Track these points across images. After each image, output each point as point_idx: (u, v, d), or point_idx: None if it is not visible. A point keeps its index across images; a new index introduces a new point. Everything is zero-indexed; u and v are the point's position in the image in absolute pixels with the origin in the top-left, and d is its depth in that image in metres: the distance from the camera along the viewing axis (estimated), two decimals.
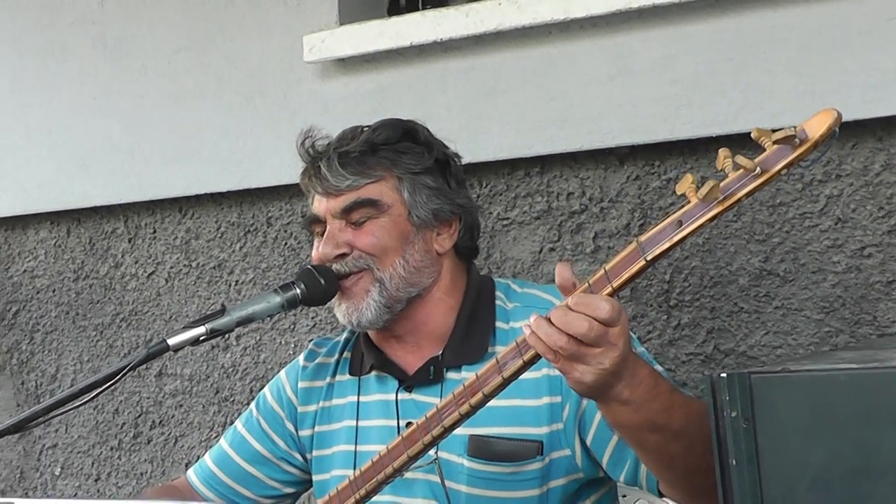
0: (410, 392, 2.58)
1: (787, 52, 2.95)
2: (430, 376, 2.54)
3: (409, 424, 2.47)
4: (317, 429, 2.69)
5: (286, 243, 3.77)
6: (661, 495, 2.37)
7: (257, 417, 2.78)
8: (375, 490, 2.29)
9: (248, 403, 3.77)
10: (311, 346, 2.81)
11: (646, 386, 2.07)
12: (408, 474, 2.45)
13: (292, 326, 3.77)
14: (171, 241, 4.00)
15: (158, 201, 3.98)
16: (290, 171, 3.60)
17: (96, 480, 4.20)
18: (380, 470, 2.25)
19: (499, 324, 2.57)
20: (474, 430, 2.46)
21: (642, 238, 1.93)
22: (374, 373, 2.63)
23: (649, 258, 1.93)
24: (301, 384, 2.74)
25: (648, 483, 2.37)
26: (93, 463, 4.22)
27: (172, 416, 4.04)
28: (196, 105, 3.83)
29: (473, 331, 2.56)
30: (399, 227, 2.56)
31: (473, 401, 2.12)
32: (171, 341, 2.46)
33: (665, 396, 2.10)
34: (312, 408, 2.71)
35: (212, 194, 3.86)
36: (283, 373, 2.81)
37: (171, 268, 4.00)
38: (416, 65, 3.43)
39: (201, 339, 2.48)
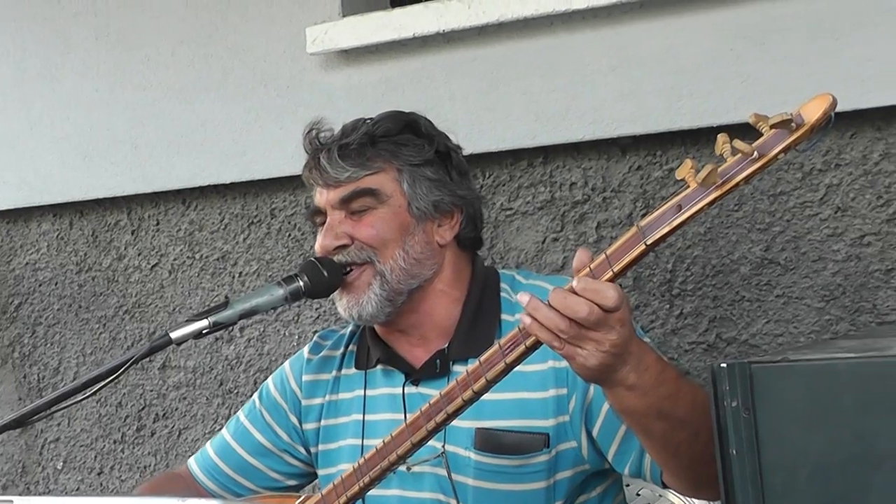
0: (417, 385, 2.58)
1: (787, 43, 2.95)
2: (436, 370, 2.54)
3: None
4: (323, 422, 2.69)
5: (290, 234, 3.77)
6: (664, 486, 2.38)
7: (260, 409, 2.77)
8: (379, 478, 2.28)
9: (251, 395, 3.78)
10: (315, 338, 2.80)
11: (652, 372, 2.07)
12: (415, 468, 2.48)
13: (296, 318, 3.78)
14: (174, 232, 4.00)
15: (162, 193, 3.97)
16: (293, 162, 3.60)
17: (99, 474, 4.21)
18: (384, 457, 2.25)
19: (504, 316, 2.57)
20: (481, 423, 2.47)
21: (642, 223, 1.94)
22: (380, 367, 2.63)
23: (649, 242, 1.93)
24: (306, 377, 2.73)
25: (653, 474, 2.37)
26: (96, 456, 4.22)
27: (176, 409, 4.04)
28: (199, 96, 3.83)
29: (479, 323, 2.56)
30: (399, 219, 2.56)
31: (476, 387, 2.11)
32: (174, 334, 2.46)
33: (672, 383, 2.11)
34: (318, 401, 2.70)
35: (215, 186, 3.86)
36: (286, 364, 2.80)
37: (175, 259, 4.00)
38: (419, 56, 3.43)
39: (204, 332, 2.49)
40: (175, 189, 3.93)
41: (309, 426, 2.71)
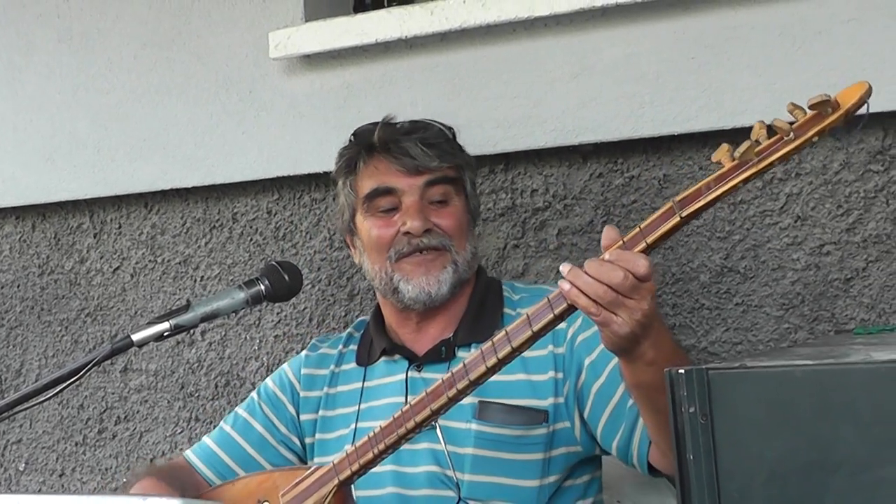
0: (420, 371, 2.68)
1: (747, 52, 2.97)
2: (441, 355, 2.66)
3: None
4: (321, 413, 2.78)
5: (252, 239, 3.77)
6: (650, 469, 2.46)
7: (259, 402, 2.85)
8: (396, 444, 2.33)
9: (214, 399, 3.80)
10: (314, 340, 2.92)
11: (667, 348, 2.16)
12: (407, 444, 2.45)
13: (258, 322, 3.78)
14: (136, 236, 3.99)
15: (124, 196, 3.96)
16: (255, 166, 3.66)
17: (60, 476, 4.20)
18: (401, 424, 2.29)
19: (506, 310, 2.71)
20: (484, 398, 2.58)
21: (677, 198, 2.02)
22: (383, 359, 2.74)
23: (684, 215, 2.00)
24: (304, 371, 2.83)
25: (640, 455, 2.45)
26: (57, 458, 4.21)
27: (137, 412, 4.03)
28: (162, 100, 3.82)
29: (484, 313, 2.70)
30: (465, 215, 2.72)
31: (501, 354, 2.17)
32: (136, 337, 2.51)
33: (682, 359, 2.20)
34: (316, 393, 2.80)
35: (178, 190, 3.85)
36: (286, 365, 2.90)
37: (137, 263, 4.00)
38: (382, 62, 3.44)
39: (165, 334, 2.53)
40: (138, 193, 3.92)
41: (306, 417, 2.80)
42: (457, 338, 2.68)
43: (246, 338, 3.81)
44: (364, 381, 2.75)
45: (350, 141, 2.81)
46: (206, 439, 2.90)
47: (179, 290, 3.90)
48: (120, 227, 4.02)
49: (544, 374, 2.60)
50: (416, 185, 2.67)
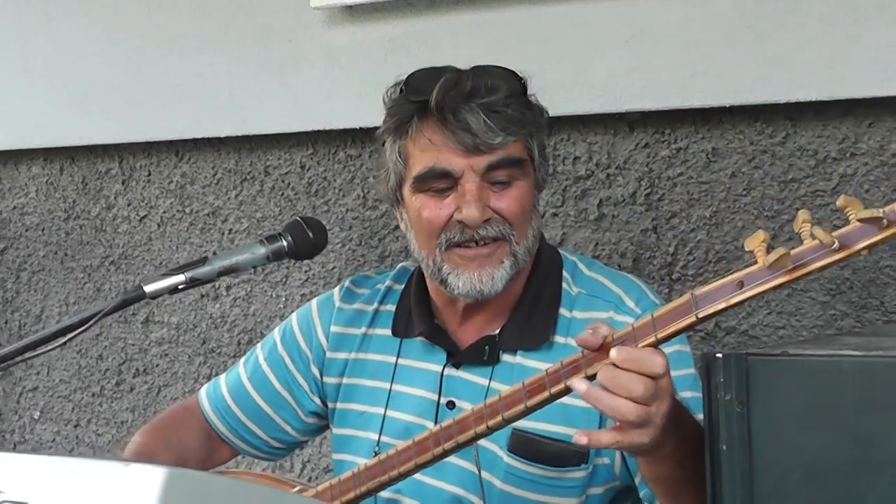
0: (458, 368, 2.44)
1: (808, 24, 2.86)
2: (483, 356, 2.41)
3: (450, 404, 2.42)
4: (345, 380, 2.56)
5: (283, 193, 3.70)
6: None
7: (281, 352, 2.64)
8: (376, 489, 2.21)
9: (235, 356, 3.73)
10: (348, 283, 2.64)
11: (691, 439, 1.97)
12: None
13: (284, 279, 3.71)
14: (165, 184, 3.93)
15: (155, 143, 3.90)
16: (291, 118, 3.60)
17: (76, 426, 4.16)
18: (385, 471, 2.17)
19: (562, 310, 2.42)
20: (518, 424, 2.21)
21: (698, 292, 1.85)
22: (420, 339, 2.48)
23: (700, 315, 1.84)
24: (334, 328, 2.59)
25: None
26: (73, 408, 4.17)
27: (157, 366, 3.99)
28: (198, 47, 3.74)
29: (536, 312, 2.42)
30: (532, 193, 2.40)
31: (492, 422, 2.04)
32: (148, 288, 2.36)
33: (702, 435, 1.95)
34: (343, 355, 2.57)
35: (209, 139, 3.78)
36: (314, 308, 2.65)
37: (164, 212, 3.94)
38: (426, 16, 3.34)
39: (180, 287, 2.39)
40: (168, 140, 3.86)
41: (330, 380, 2.58)
42: (503, 338, 2.41)
43: (272, 295, 3.74)
44: (399, 356, 2.52)
45: (401, 91, 2.43)
46: (221, 384, 2.70)
47: (206, 242, 3.85)
48: (149, 174, 3.96)
49: None
50: (477, 168, 2.31)
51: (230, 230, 3.79)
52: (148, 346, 4.00)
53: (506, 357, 2.40)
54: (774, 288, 1.80)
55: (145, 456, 2.55)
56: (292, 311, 2.76)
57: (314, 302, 2.67)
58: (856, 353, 1.77)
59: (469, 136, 2.29)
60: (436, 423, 2.38)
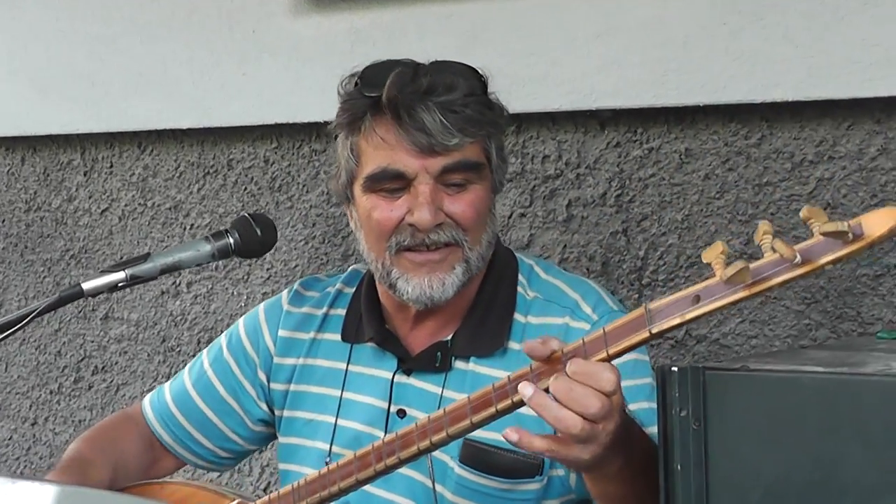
0: (409, 376, 2.36)
1: (785, 20, 2.77)
2: (435, 363, 2.33)
3: (401, 412, 2.35)
4: (293, 387, 2.48)
5: (246, 188, 3.63)
6: None
7: (227, 358, 2.56)
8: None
9: (195, 355, 3.62)
10: (297, 286, 2.57)
11: (640, 455, 1.91)
12: None
13: (246, 277, 3.65)
14: (127, 177, 3.86)
15: (118, 134, 3.84)
16: (255, 111, 3.52)
17: (33, 425, 4.12)
18: (325, 486, 2.09)
19: (517, 315, 2.34)
20: (470, 435, 2.14)
21: (652, 306, 1.77)
22: (371, 345, 2.40)
23: (654, 331, 1.76)
24: (282, 332, 2.51)
25: None
26: (31, 406, 4.12)
27: (116, 363, 3.92)
28: (162, 35, 3.67)
29: (490, 317, 2.34)
30: (488, 196, 2.32)
31: (436, 438, 1.95)
32: (87, 286, 2.30)
33: (653, 456, 1.87)
34: (290, 361, 2.49)
35: (172, 131, 3.72)
36: (261, 312, 2.57)
37: (126, 206, 3.87)
38: (393, 8, 3.26)
39: (120, 285, 2.33)
40: (131, 131, 3.80)
41: (277, 386, 2.50)
42: (455, 345, 2.33)
43: (233, 293, 3.68)
44: (349, 362, 2.43)
45: (356, 84, 2.35)
46: (165, 391, 2.62)
47: (168, 237, 3.79)
48: (112, 166, 3.90)
49: None
50: (432, 170, 2.23)
51: (192, 225, 3.73)
52: (107, 343, 3.94)
53: (458, 364, 2.32)
54: (733, 303, 1.72)
55: (80, 464, 2.47)
56: None
57: (261, 306, 2.59)
58: (818, 370, 1.71)
59: (424, 136, 2.21)
60: (385, 432, 2.32)
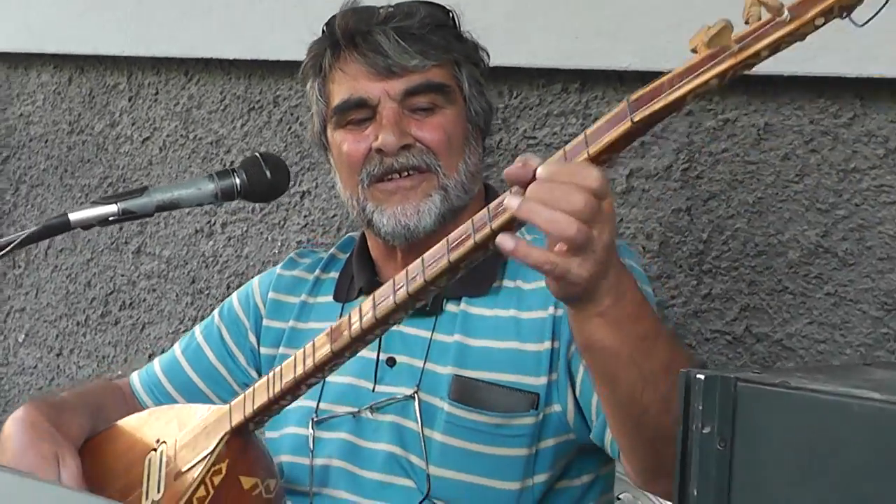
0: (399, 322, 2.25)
1: None
2: (425, 306, 2.20)
3: (390, 360, 2.32)
4: (282, 350, 2.45)
5: (290, 128, 3.51)
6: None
7: (218, 325, 2.55)
8: (291, 391, 2.06)
9: (223, 300, 3.55)
10: (292, 254, 2.59)
11: (631, 300, 1.78)
12: (374, 414, 2.27)
13: (283, 222, 3.55)
14: (171, 106, 3.80)
15: (164, 60, 3.77)
16: (305, 46, 3.32)
17: (58, 355, 4.10)
18: (292, 369, 2.04)
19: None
20: (461, 371, 2.22)
21: (633, 96, 1.67)
22: (361, 298, 2.35)
23: (636, 119, 1.65)
24: (272, 294, 2.50)
25: (612, 444, 2.08)
26: (57, 336, 4.10)
27: (144, 300, 3.88)
28: None
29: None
30: (461, 123, 2.32)
31: (412, 288, 1.86)
32: (74, 216, 2.20)
33: (650, 322, 1.82)
34: (280, 324, 2.48)
35: (220, 61, 3.63)
36: (255, 279, 2.59)
37: (168, 136, 3.81)
38: None
39: (111, 219, 2.21)
40: (177, 58, 3.72)
41: (266, 350, 2.48)
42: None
43: (268, 238, 3.58)
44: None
45: (323, 32, 2.43)
46: (154, 364, 2.60)
47: (206, 172, 3.67)
48: (157, 93, 3.85)
49: (541, 343, 2.20)
50: (394, 92, 2.25)
51: (232, 162, 3.64)
52: (137, 279, 3.91)
53: (449, 306, 2.29)
54: (718, 76, 1.62)
55: (59, 411, 2.38)
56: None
57: (255, 277, 2.61)
58: (874, 396, 1.47)
59: (381, 58, 2.25)
60: (375, 382, 2.30)
